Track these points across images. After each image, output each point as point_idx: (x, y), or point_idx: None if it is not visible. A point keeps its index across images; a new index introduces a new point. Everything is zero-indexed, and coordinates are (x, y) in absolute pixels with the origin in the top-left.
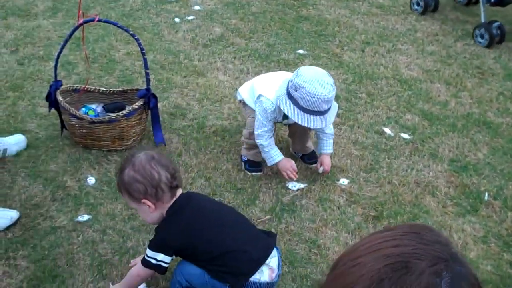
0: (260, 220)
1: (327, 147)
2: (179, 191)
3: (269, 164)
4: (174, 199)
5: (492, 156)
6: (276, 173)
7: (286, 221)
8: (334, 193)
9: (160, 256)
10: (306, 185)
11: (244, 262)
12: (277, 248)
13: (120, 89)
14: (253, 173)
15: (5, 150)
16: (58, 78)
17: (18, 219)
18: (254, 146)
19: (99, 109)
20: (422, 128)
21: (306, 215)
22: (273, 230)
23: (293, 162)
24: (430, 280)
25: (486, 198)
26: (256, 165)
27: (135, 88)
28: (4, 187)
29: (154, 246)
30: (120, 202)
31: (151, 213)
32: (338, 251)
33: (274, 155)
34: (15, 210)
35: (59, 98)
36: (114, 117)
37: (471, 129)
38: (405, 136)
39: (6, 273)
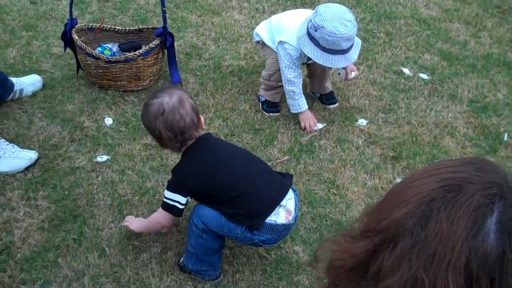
0: (278, 160)
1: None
2: (198, 133)
3: (293, 111)
4: (192, 141)
5: (511, 97)
6: (294, 114)
7: (305, 161)
8: (352, 133)
9: (177, 197)
10: (324, 125)
11: (259, 204)
12: (294, 191)
13: (135, 27)
14: (271, 114)
15: (21, 91)
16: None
17: (37, 160)
18: (272, 87)
19: (115, 48)
20: (441, 68)
21: (325, 156)
22: (291, 171)
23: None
24: (481, 202)
25: (505, 138)
26: (274, 105)
27: (151, 27)
28: (21, 127)
29: (172, 187)
30: (138, 143)
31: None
32: (357, 191)
33: (301, 103)
34: (34, 151)
35: (75, 37)
36: (130, 56)
37: (490, 70)
38: (424, 76)
39: (27, 213)
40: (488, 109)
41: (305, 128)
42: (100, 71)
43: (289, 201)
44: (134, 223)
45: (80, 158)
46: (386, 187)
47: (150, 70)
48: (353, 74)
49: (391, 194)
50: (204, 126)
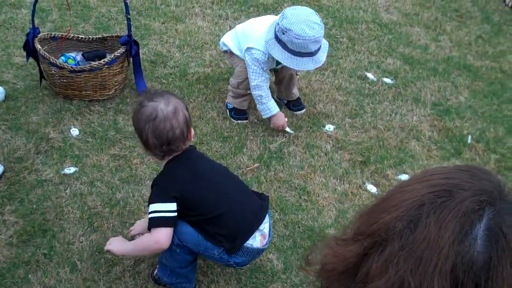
0: (249, 168)
1: None
2: (185, 146)
3: (264, 116)
4: (177, 153)
5: (473, 99)
6: (262, 120)
7: (275, 168)
8: (320, 139)
9: (165, 206)
10: (292, 132)
11: (240, 227)
12: (268, 214)
13: (99, 36)
14: (239, 121)
15: None
16: None
17: (2, 173)
18: (241, 95)
19: (79, 57)
20: (404, 72)
21: (295, 162)
22: (262, 178)
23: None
24: (470, 208)
25: (469, 141)
26: (242, 113)
27: (115, 35)
28: None
29: (157, 197)
30: (106, 154)
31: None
32: (328, 197)
33: (271, 107)
34: None
35: (38, 46)
36: (95, 66)
37: (451, 73)
38: (388, 80)
39: None
40: (451, 112)
41: (278, 130)
42: (65, 81)
43: (265, 224)
44: (118, 246)
45: (47, 171)
46: (356, 192)
47: (116, 79)
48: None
49: (383, 199)
50: (192, 139)
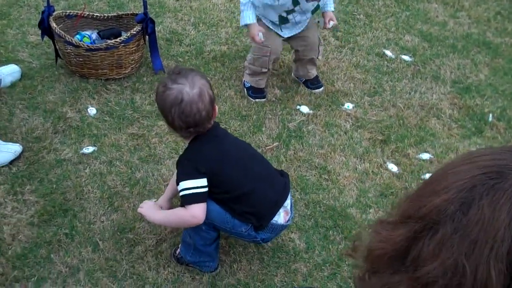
0: (268, 147)
1: (330, 5)
2: (210, 124)
3: (240, 24)
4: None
5: (493, 77)
6: (280, 98)
7: (294, 147)
8: (340, 118)
9: (195, 182)
10: (311, 111)
11: (268, 204)
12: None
13: (114, 14)
14: (257, 100)
15: None
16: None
17: (21, 153)
18: (257, 73)
19: (94, 35)
20: (422, 49)
21: (314, 141)
22: (281, 157)
23: (262, 31)
24: None
25: (490, 119)
26: (259, 91)
27: (131, 13)
28: (2, 120)
29: (186, 174)
30: (124, 133)
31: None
32: (348, 176)
33: (246, 16)
34: (17, 144)
35: (53, 24)
36: (111, 44)
37: (471, 50)
38: (406, 58)
39: (15, 208)
40: (471, 90)
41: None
42: (81, 59)
43: (288, 201)
44: (150, 212)
45: (66, 150)
46: (377, 171)
47: (132, 57)
48: (331, 23)
49: (430, 182)
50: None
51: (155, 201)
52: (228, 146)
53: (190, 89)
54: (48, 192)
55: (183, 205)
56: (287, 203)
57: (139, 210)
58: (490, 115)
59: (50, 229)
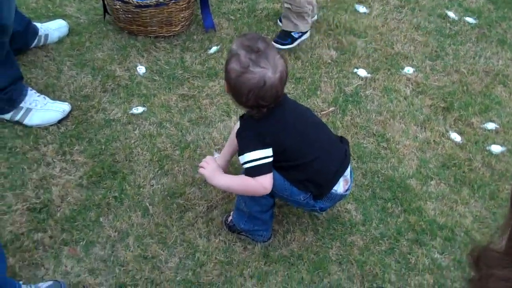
0: (323, 112)
1: None
2: None
3: None
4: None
5: None
6: (336, 61)
7: (351, 113)
8: (399, 82)
9: (262, 153)
10: (369, 75)
11: (328, 173)
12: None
13: None
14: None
15: (46, 36)
16: None
17: (69, 112)
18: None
19: None
20: (488, 12)
21: (372, 107)
22: (338, 123)
23: None
24: None
25: None
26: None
27: None
28: (50, 77)
29: (251, 145)
30: (174, 93)
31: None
32: (408, 145)
33: None
34: (66, 103)
35: None
36: (162, 1)
37: None
38: (470, 20)
39: (64, 169)
40: None
41: None
42: (130, 16)
43: (347, 170)
44: (215, 176)
45: (115, 110)
46: (438, 141)
47: (182, 14)
48: None
49: None
50: None
51: (217, 158)
52: (290, 116)
53: (272, 73)
54: (97, 153)
55: (247, 175)
56: (347, 172)
57: (202, 171)
58: None
59: (99, 191)
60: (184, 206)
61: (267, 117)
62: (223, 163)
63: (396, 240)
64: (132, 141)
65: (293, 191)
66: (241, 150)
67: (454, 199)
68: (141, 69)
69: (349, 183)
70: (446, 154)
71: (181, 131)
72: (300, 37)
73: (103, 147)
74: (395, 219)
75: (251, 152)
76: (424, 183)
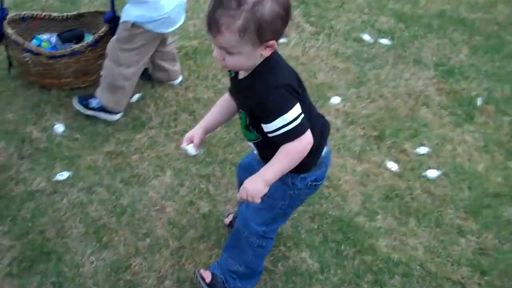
0: None
1: None
2: None
3: None
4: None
5: (474, 56)
6: None
7: None
8: (329, 114)
9: (294, 111)
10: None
11: (327, 130)
12: None
13: (75, 13)
14: None
15: None
16: None
17: None
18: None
19: (54, 39)
20: (399, 31)
21: None
22: None
23: None
24: None
25: (479, 103)
26: None
27: (94, 11)
28: None
29: (285, 104)
30: (100, 152)
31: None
32: (349, 180)
33: None
34: None
35: (9, 30)
36: (77, 49)
37: (447, 28)
38: (385, 41)
39: None
40: (455, 73)
41: None
42: (41, 68)
43: None
44: (257, 187)
45: (37, 179)
46: (377, 172)
47: (99, 62)
48: None
49: None
50: None
51: (190, 147)
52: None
53: None
54: (23, 233)
55: (287, 141)
56: None
57: (242, 195)
58: (479, 99)
59: (33, 278)
60: (132, 282)
61: (281, 60)
62: (200, 134)
63: (357, 285)
64: (62, 213)
65: (295, 180)
66: (277, 113)
67: (402, 232)
68: (60, 128)
69: None
70: (386, 185)
71: (114, 195)
72: (99, 110)
73: (29, 224)
74: (351, 262)
75: (291, 110)
76: (371, 219)
